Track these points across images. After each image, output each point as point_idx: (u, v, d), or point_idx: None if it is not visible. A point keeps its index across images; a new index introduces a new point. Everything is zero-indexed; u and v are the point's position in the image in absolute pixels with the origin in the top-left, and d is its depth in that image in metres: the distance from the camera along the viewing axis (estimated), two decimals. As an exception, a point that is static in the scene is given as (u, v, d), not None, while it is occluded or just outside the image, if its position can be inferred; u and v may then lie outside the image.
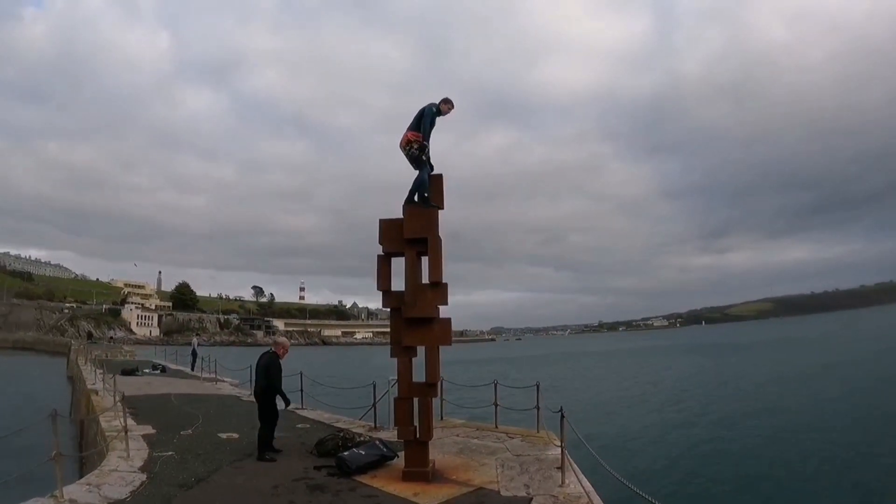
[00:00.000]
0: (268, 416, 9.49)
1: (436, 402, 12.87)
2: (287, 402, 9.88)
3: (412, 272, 7.99)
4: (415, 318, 7.90)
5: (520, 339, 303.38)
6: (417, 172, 8.30)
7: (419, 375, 8.18)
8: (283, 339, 10.16)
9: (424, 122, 8.29)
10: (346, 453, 8.52)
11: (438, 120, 8.47)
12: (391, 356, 8.19)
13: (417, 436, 7.96)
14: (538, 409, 10.71)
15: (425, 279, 8.15)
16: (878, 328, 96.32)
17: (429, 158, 8.40)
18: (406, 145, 8.28)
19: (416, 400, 8.11)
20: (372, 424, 12.37)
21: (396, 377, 8.43)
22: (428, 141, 8.39)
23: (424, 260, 8.18)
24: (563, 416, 7.66)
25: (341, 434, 9.62)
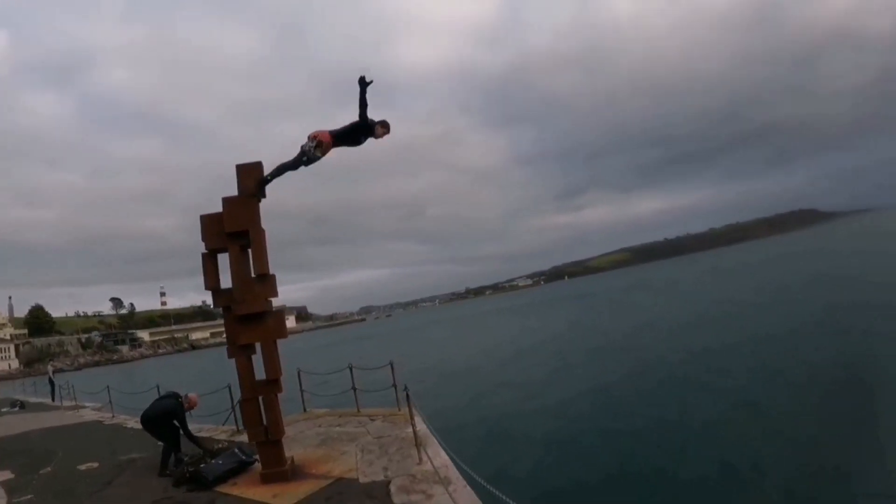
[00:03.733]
0: (166, 438, 9.14)
1: (295, 394, 12.67)
2: (201, 448, 9.09)
3: (237, 267, 7.58)
4: (246, 314, 7.55)
5: (390, 316, 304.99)
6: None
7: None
8: (193, 396, 9.64)
9: (346, 128, 7.49)
10: (202, 466, 8.21)
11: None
12: (228, 357, 7.78)
13: (268, 435, 7.68)
14: (395, 387, 10.69)
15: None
16: (726, 268, 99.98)
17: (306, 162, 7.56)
18: (308, 140, 7.40)
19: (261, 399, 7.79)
20: (235, 428, 11.96)
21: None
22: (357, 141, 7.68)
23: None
24: (408, 395, 7.79)
25: (186, 452, 9.08)
